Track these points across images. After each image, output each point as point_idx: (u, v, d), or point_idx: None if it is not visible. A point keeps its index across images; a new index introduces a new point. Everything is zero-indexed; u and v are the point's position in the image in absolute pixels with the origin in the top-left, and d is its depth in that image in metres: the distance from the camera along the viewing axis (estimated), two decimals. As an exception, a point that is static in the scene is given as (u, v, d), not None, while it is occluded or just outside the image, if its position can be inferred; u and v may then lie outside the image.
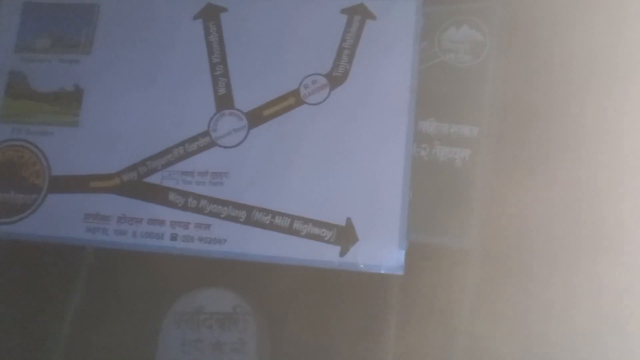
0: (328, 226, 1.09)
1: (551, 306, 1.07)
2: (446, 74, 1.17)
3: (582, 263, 1.07)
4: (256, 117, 1.15)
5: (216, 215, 1.12)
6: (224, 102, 1.17)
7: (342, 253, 1.08)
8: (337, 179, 1.11)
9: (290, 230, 1.10)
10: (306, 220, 1.09)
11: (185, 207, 1.13)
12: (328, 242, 1.08)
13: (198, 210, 1.13)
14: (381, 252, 1.07)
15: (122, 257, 1.16)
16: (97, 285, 1.21)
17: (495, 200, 1.13)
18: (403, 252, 1.06)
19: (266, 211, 1.11)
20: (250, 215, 1.11)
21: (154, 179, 1.15)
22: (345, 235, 1.08)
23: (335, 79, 1.14)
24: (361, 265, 1.07)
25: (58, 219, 1.16)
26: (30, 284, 1.21)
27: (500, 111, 1.15)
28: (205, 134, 1.16)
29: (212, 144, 1.15)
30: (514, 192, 1.12)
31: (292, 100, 1.15)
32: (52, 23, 1.25)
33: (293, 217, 1.10)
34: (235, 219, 1.11)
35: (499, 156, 1.14)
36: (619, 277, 1.05)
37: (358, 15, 1.16)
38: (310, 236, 1.09)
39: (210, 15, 1.20)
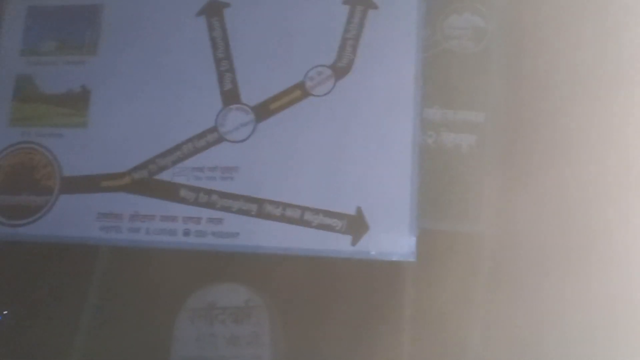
0: (339, 216, 1.10)
1: (567, 290, 1.07)
2: (450, 61, 1.18)
3: (599, 244, 1.07)
4: (263, 111, 1.16)
5: (227, 209, 1.13)
6: (231, 97, 1.17)
7: (354, 242, 1.09)
8: (346, 169, 1.11)
9: (301, 222, 1.11)
10: (317, 211, 1.10)
11: (196, 203, 1.14)
12: (339, 231, 1.09)
13: (209, 205, 1.14)
14: (392, 240, 1.08)
15: (134, 256, 1.17)
16: (110, 284, 1.22)
17: (502, 184, 1.13)
18: (414, 238, 1.07)
19: (277, 203, 1.12)
20: (261, 208, 1.12)
21: (164, 176, 1.16)
22: (355, 224, 1.09)
23: (340, 69, 1.15)
24: (373, 253, 1.08)
25: (71, 219, 1.18)
26: (45, 284, 1.22)
27: (505, 96, 1.16)
28: (213, 129, 1.17)
29: (220, 139, 1.16)
30: (521, 176, 1.12)
31: (298, 92, 1.15)
32: (56, 25, 1.26)
33: (304, 209, 1.11)
34: (246, 213, 1.12)
35: (506, 141, 1.14)
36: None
37: (360, 6, 1.16)
38: (322, 226, 1.10)
39: (214, 11, 1.21)
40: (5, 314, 1.22)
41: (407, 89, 1.12)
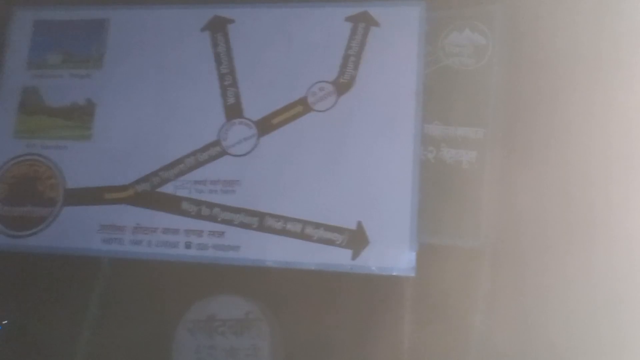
0: (339, 230, 1.11)
1: (567, 302, 1.08)
2: (450, 77, 1.19)
3: (595, 258, 1.08)
4: (265, 126, 1.17)
5: (229, 222, 1.14)
6: (234, 111, 1.19)
7: (354, 256, 1.10)
8: (347, 184, 1.13)
9: (302, 235, 1.12)
10: (317, 225, 1.11)
11: (198, 216, 1.15)
12: (340, 245, 1.10)
13: (211, 218, 1.15)
14: (392, 254, 1.09)
15: (135, 268, 1.18)
16: (112, 296, 1.22)
17: (502, 199, 1.13)
18: (414, 253, 1.08)
19: (278, 217, 1.13)
20: (262, 222, 1.13)
21: (167, 188, 1.17)
22: (356, 239, 1.10)
23: (341, 85, 1.16)
24: (373, 268, 1.09)
25: (74, 230, 1.19)
26: (46, 294, 1.22)
27: (504, 112, 1.16)
28: (216, 143, 1.18)
29: (223, 153, 1.17)
30: (520, 191, 1.12)
31: (300, 107, 1.17)
32: (62, 39, 1.28)
33: (305, 223, 1.12)
34: (248, 226, 1.13)
35: (505, 157, 1.15)
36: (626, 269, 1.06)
37: (362, 23, 1.18)
38: (322, 240, 1.11)
39: (218, 27, 1.23)
40: (5, 323, 1.22)
41: (408, 105, 1.14)
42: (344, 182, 1.12)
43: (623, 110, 1.11)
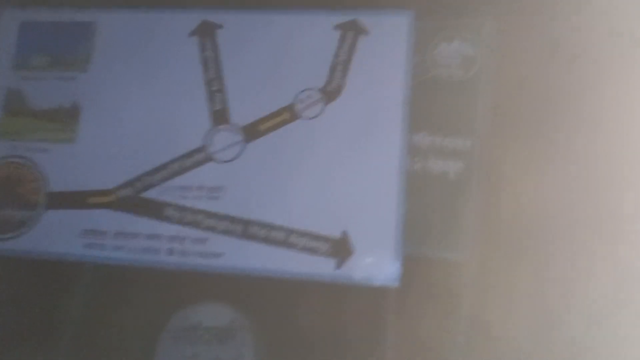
0: (323, 239, 1.10)
1: (554, 316, 1.07)
2: (438, 88, 1.18)
3: (579, 276, 1.07)
4: (252, 132, 1.16)
5: (212, 229, 1.13)
6: (220, 117, 1.18)
7: (338, 266, 1.09)
8: (333, 193, 1.12)
9: (286, 244, 1.11)
10: (302, 234, 1.11)
11: (181, 222, 1.14)
12: (323, 255, 1.09)
13: (194, 225, 1.14)
14: (376, 265, 1.08)
15: (118, 274, 1.16)
16: (93, 302, 1.20)
17: (489, 212, 1.13)
18: (398, 264, 1.08)
19: (262, 225, 1.12)
20: (246, 229, 1.12)
21: (150, 194, 1.16)
22: (340, 248, 1.09)
23: (329, 93, 1.16)
24: (357, 278, 1.08)
25: (56, 235, 1.17)
26: (26, 300, 1.21)
27: (492, 124, 1.16)
28: (201, 149, 1.17)
29: (208, 159, 1.16)
30: (508, 204, 1.12)
31: (287, 114, 1.16)
32: (49, 41, 1.27)
33: (289, 231, 1.11)
34: (231, 233, 1.12)
35: (492, 168, 1.15)
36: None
37: (351, 31, 1.18)
38: (306, 249, 1.10)
39: (206, 32, 1.22)
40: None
41: (395, 114, 1.14)
42: (330, 191, 1.12)
43: (613, 122, 1.12)
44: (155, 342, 1.13)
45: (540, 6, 1.18)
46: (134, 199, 1.16)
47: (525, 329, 1.07)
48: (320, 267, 1.09)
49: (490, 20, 1.19)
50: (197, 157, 1.17)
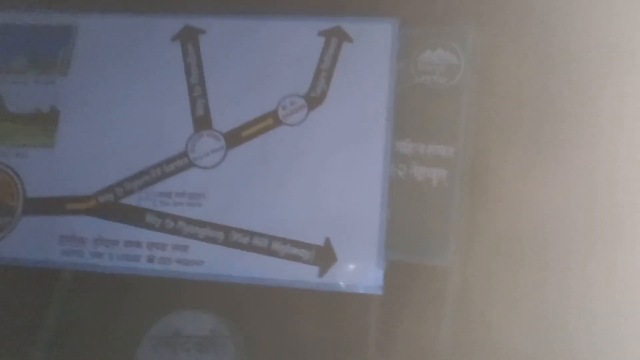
0: (306, 246, 1.09)
1: (534, 325, 1.08)
2: (422, 95, 1.19)
3: (568, 277, 1.08)
4: (234, 138, 1.15)
5: (194, 236, 1.12)
6: (202, 123, 1.17)
7: (321, 273, 1.08)
8: (316, 200, 1.11)
9: (268, 251, 1.10)
10: (285, 241, 1.10)
11: (162, 229, 1.12)
12: (307, 262, 1.09)
13: (175, 232, 1.12)
14: (360, 272, 1.08)
15: (97, 281, 1.14)
16: (71, 310, 1.18)
17: (472, 218, 1.13)
18: (381, 271, 1.07)
19: (244, 232, 1.11)
20: (228, 236, 1.11)
21: (130, 200, 1.14)
22: (323, 256, 1.09)
23: (313, 100, 1.16)
24: (340, 285, 1.08)
25: (33, 241, 1.15)
26: (2, 307, 1.18)
27: (475, 131, 1.17)
28: (183, 154, 1.16)
29: (190, 165, 1.15)
30: (491, 210, 1.13)
31: (270, 121, 1.15)
32: (28, 44, 1.25)
33: (271, 238, 1.10)
34: (213, 240, 1.11)
35: (476, 175, 1.15)
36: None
37: (335, 38, 1.18)
38: (289, 257, 1.09)
39: (188, 37, 1.21)
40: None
41: (379, 121, 1.14)
42: (313, 198, 1.11)
43: (598, 127, 1.13)
44: (134, 350, 1.11)
45: (524, 14, 1.19)
46: (113, 205, 1.15)
47: (509, 332, 1.07)
48: (304, 274, 1.08)
49: (473, 28, 1.20)
50: (179, 163, 1.15)
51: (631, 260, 1.07)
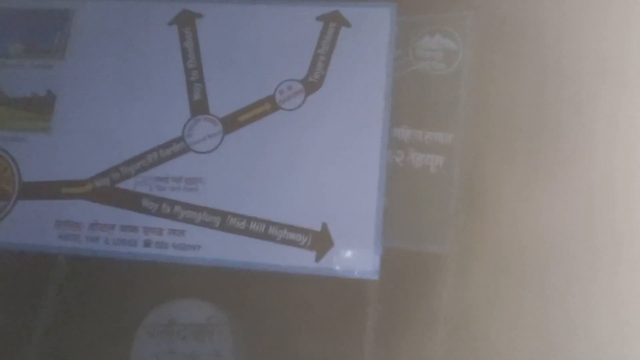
0: (303, 231, 1.09)
1: (528, 310, 1.08)
2: (420, 81, 1.18)
3: (562, 266, 1.08)
4: (231, 123, 1.15)
5: (190, 221, 1.11)
6: (199, 107, 1.16)
7: (318, 258, 1.08)
8: (313, 185, 1.11)
9: (265, 236, 1.09)
10: (281, 226, 1.09)
11: (158, 213, 1.12)
12: (303, 247, 1.08)
13: (172, 216, 1.12)
14: (356, 257, 1.07)
15: (93, 266, 1.14)
16: (67, 296, 1.18)
17: (469, 206, 1.13)
18: (378, 257, 1.07)
19: (241, 217, 1.10)
20: (225, 221, 1.11)
21: (127, 184, 1.14)
22: (320, 241, 1.08)
23: (310, 84, 1.15)
24: (336, 270, 1.07)
25: (29, 226, 1.15)
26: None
27: (473, 118, 1.17)
28: (180, 139, 1.15)
29: (186, 150, 1.15)
30: (487, 198, 1.12)
31: (267, 105, 1.15)
32: (25, 29, 1.25)
33: (268, 223, 1.10)
34: (209, 225, 1.11)
35: (473, 162, 1.15)
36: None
37: (333, 23, 1.17)
38: (286, 242, 1.09)
39: (186, 21, 1.21)
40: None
41: (376, 107, 1.13)
42: (310, 183, 1.11)
43: (592, 118, 1.12)
44: (131, 335, 1.10)
45: (521, 1, 1.19)
46: (110, 189, 1.14)
47: (506, 323, 1.07)
48: (300, 259, 1.08)
49: (472, 14, 1.20)
50: (175, 147, 1.15)
51: (631, 263, 1.07)
